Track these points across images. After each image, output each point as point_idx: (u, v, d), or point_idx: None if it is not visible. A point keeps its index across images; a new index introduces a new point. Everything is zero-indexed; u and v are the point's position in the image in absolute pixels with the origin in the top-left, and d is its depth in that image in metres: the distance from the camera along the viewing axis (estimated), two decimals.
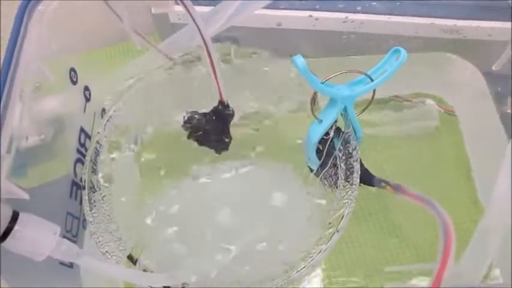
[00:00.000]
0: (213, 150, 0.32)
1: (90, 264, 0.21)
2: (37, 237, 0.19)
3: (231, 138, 0.32)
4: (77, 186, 0.27)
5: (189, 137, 0.32)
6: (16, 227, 0.18)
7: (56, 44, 0.25)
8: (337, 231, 0.25)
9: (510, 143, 0.24)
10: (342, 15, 0.32)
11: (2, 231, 0.18)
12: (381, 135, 0.35)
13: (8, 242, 0.18)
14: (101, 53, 0.31)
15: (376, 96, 0.29)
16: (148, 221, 0.29)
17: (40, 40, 0.24)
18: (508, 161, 0.24)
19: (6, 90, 0.21)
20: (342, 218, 0.25)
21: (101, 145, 0.29)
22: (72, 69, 0.27)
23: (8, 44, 0.23)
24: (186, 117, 0.32)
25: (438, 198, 0.25)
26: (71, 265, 0.25)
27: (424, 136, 0.35)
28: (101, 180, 0.28)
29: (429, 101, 0.35)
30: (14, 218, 0.18)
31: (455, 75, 0.33)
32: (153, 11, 0.27)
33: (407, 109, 0.36)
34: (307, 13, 0.32)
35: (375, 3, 0.31)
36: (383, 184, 0.27)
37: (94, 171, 0.28)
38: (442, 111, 0.35)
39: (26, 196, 0.21)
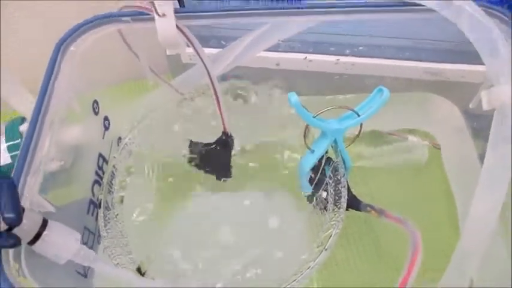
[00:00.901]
0: (215, 176, 0.36)
1: (103, 269, 0.24)
2: (62, 242, 0.22)
3: (231, 167, 0.36)
4: (94, 204, 0.30)
5: (195, 164, 0.36)
6: (45, 232, 0.21)
7: (83, 79, 0.29)
8: (325, 250, 0.28)
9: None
10: (333, 58, 0.36)
11: (33, 235, 0.21)
12: (371, 166, 0.38)
13: (38, 245, 0.21)
14: (121, 87, 0.34)
15: (367, 130, 0.33)
16: (156, 238, 0.32)
17: (71, 76, 0.28)
18: (480, 187, 0.27)
19: (39, 120, 0.25)
20: (330, 237, 0.28)
21: (116, 169, 0.32)
22: (95, 101, 0.31)
23: (43, 79, 0.26)
24: (191, 147, 0.36)
25: (421, 223, 0.28)
26: (85, 275, 0.28)
27: (411, 167, 0.38)
28: (115, 200, 0.31)
29: (413, 137, 0.39)
30: (44, 224, 0.21)
31: (437, 113, 0.37)
32: (168, 52, 0.31)
33: (395, 143, 0.39)
34: (302, 55, 0.36)
35: (361, 47, 0.35)
36: (368, 208, 0.30)
37: (109, 192, 0.32)
38: (430, 145, 0.38)
39: (53, 209, 0.24)
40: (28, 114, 0.36)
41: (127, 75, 0.34)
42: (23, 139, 0.24)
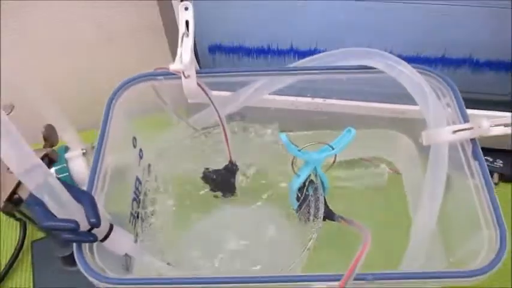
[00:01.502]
0: (222, 195, 0.46)
1: (147, 260, 0.33)
2: (122, 241, 0.31)
3: (235, 188, 0.45)
4: (133, 216, 0.40)
5: (208, 186, 0.45)
6: (112, 233, 0.31)
7: (127, 121, 0.39)
8: (308, 250, 0.37)
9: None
10: (319, 100, 0.46)
11: (104, 235, 0.30)
12: (345, 186, 0.47)
13: (107, 242, 0.30)
14: (152, 125, 0.44)
15: (343, 158, 0.43)
16: (180, 242, 0.41)
17: (118, 119, 0.38)
18: (422, 201, 0.36)
19: (101, 152, 0.35)
20: (310, 240, 0.37)
21: (148, 189, 0.42)
22: (134, 138, 0.41)
23: (102, 122, 0.36)
24: (204, 172, 0.46)
25: (381, 230, 0.37)
26: (127, 268, 0.37)
27: (376, 187, 0.48)
28: (148, 213, 0.41)
29: (381, 164, 0.49)
30: (111, 228, 0.31)
31: (396, 145, 0.47)
32: (189, 101, 0.41)
33: (364, 168, 0.49)
34: (291, 98, 0.46)
35: (335, 93, 0.45)
36: (340, 219, 0.40)
37: (143, 207, 0.41)
38: (390, 171, 0.49)
39: (110, 218, 0.34)
40: (70, 143, 0.46)
41: (156, 116, 0.43)
42: (91, 166, 0.34)
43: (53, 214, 0.28)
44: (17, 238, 0.52)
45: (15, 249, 0.51)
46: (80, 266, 0.30)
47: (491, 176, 0.53)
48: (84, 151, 0.51)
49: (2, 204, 0.30)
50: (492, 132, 0.33)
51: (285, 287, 0.30)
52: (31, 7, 0.55)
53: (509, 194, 0.54)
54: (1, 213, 0.52)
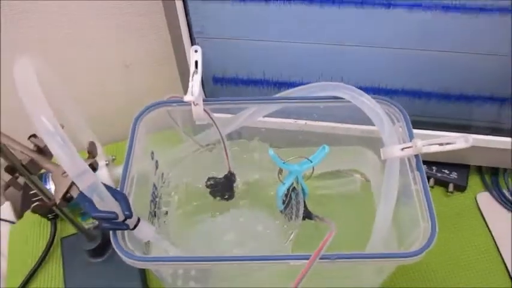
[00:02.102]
0: (223, 199, 0.56)
1: (164, 245, 0.43)
2: (147, 230, 0.41)
3: (234, 192, 0.55)
4: (150, 214, 0.50)
5: (210, 191, 0.55)
6: (139, 224, 0.40)
7: (147, 137, 0.49)
8: (290, 241, 0.47)
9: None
10: (301, 122, 0.56)
11: (134, 225, 0.40)
12: (323, 192, 0.58)
13: (135, 231, 0.40)
14: (166, 141, 0.54)
15: (321, 170, 0.53)
16: (188, 236, 0.51)
17: (141, 135, 0.48)
18: (381, 203, 0.46)
19: (129, 162, 0.45)
20: (292, 234, 0.47)
21: (162, 194, 0.52)
22: (152, 152, 0.51)
23: (129, 138, 0.46)
24: (207, 180, 0.56)
25: (351, 228, 0.47)
26: (145, 253, 0.47)
27: (350, 194, 0.58)
28: (162, 213, 0.51)
29: (354, 174, 0.59)
30: (138, 220, 0.40)
31: (365, 159, 0.57)
32: (197, 123, 0.51)
33: (340, 178, 0.59)
34: (279, 120, 0.56)
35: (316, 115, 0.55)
36: (316, 218, 0.50)
37: (158, 208, 0.51)
38: (362, 179, 0.59)
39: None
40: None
41: (169, 134, 0.54)
42: (122, 173, 0.44)
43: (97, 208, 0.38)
44: (48, 235, 0.62)
45: (47, 244, 0.61)
46: (115, 248, 0.39)
47: (447, 186, 0.64)
48: (107, 162, 0.62)
49: (58, 201, 0.40)
50: (425, 150, 0.43)
51: (269, 265, 0.39)
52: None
53: (459, 199, 0.65)
54: (36, 215, 0.62)
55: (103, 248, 0.57)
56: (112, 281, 0.56)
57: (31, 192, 0.60)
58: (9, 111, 0.67)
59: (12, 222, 0.70)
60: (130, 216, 0.39)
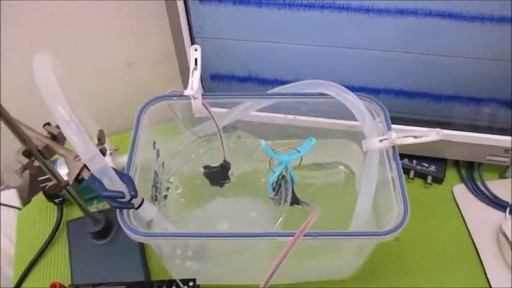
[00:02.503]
0: (218, 186, 0.60)
1: (164, 223, 0.48)
2: (150, 210, 0.46)
3: (229, 180, 0.60)
4: (152, 199, 0.54)
5: (207, 178, 0.60)
6: (143, 204, 0.45)
7: (150, 128, 0.54)
8: (279, 224, 0.52)
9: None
10: (291, 117, 0.61)
11: (138, 204, 0.45)
12: (311, 183, 0.62)
13: (140, 210, 0.45)
14: (166, 132, 0.59)
15: (309, 162, 0.58)
16: (186, 218, 0.56)
17: (145, 126, 0.52)
18: (362, 191, 0.51)
19: (134, 151, 0.49)
20: (280, 218, 0.52)
21: (162, 180, 0.57)
22: (154, 142, 0.56)
23: (134, 128, 0.51)
24: (204, 168, 0.60)
25: (335, 214, 0.52)
26: None
27: (335, 183, 0.63)
28: (162, 197, 0.56)
29: (339, 166, 0.64)
30: (142, 201, 0.45)
31: (349, 151, 0.62)
32: (196, 115, 0.56)
33: (326, 169, 0.64)
34: (270, 114, 0.61)
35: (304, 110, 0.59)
36: (303, 203, 0.55)
37: (159, 193, 0.56)
38: (347, 171, 0.64)
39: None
40: None
41: (170, 126, 0.58)
42: (127, 160, 0.48)
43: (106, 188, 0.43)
44: (55, 219, 0.67)
45: (54, 227, 0.66)
46: (122, 224, 0.44)
47: (426, 178, 0.70)
48: (111, 152, 0.66)
49: (71, 182, 0.44)
50: (400, 141, 0.48)
51: (258, 241, 0.44)
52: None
53: (437, 190, 0.70)
54: (43, 200, 0.67)
55: (106, 230, 0.62)
56: (114, 261, 0.61)
57: (40, 179, 0.64)
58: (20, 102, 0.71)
59: (18, 208, 0.75)
60: (135, 196, 0.44)
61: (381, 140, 0.50)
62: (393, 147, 0.50)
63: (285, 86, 0.56)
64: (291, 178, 0.56)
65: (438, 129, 0.49)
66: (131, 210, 0.46)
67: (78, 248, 0.63)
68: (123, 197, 0.43)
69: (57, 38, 0.68)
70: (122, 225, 0.44)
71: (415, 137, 0.49)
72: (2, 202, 0.76)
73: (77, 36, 0.69)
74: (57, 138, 0.47)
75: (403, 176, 0.48)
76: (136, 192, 0.44)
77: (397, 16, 0.55)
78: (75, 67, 0.72)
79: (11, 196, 0.79)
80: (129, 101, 0.63)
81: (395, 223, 0.45)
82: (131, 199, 0.44)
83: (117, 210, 0.45)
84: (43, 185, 0.64)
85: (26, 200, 0.74)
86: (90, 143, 0.40)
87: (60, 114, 0.38)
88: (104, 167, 0.42)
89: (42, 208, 0.69)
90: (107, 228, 0.62)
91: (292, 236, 0.43)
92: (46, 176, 0.64)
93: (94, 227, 0.61)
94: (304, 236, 0.43)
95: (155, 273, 0.62)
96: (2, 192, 0.79)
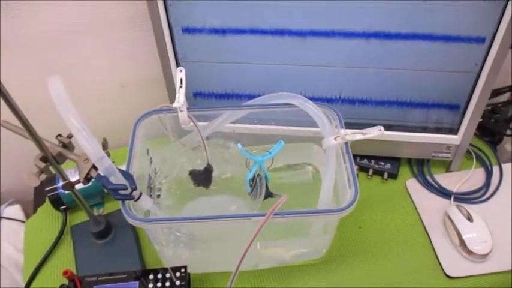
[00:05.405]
0: (203, 186, 0.70)
1: (158, 212, 0.57)
2: (147, 201, 0.55)
3: (212, 181, 0.70)
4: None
5: (193, 180, 0.70)
6: (141, 197, 0.55)
7: (144, 138, 0.64)
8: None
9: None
10: (263, 126, 0.72)
11: (137, 196, 0.54)
12: (284, 181, 0.73)
13: (139, 201, 0.54)
14: (158, 141, 0.69)
15: (280, 163, 0.69)
16: (175, 215, 0.65)
17: (139, 137, 0.62)
18: (324, 180, 0.61)
19: (132, 158, 0.59)
20: (255, 211, 0.62)
21: (155, 182, 0.67)
22: (147, 150, 0.66)
23: (131, 139, 0.61)
24: (190, 171, 0.70)
25: (306, 204, 0.62)
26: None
27: (304, 182, 0.73)
28: (156, 196, 0.65)
29: (308, 166, 0.75)
30: (141, 194, 0.55)
31: (315, 153, 0.73)
32: (183, 127, 0.66)
33: (295, 170, 0.75)
34: (246, 125, 0.72)
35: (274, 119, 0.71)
36: (275, 195, 0.65)
37: (153, 192, 0.65)
38: (314, 171, 0.74)
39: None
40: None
41: (161, 136, 0.69)
42: (127, 163, 0.58)
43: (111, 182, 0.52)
44: (60, 225, 0.75)
45: (59, 231, 0.74)
46: (124, 213, 0.53)
47: (383, 175, 0.80)
48: None
49: (82, 179, 0.54)
50: (349, 138, 0.59)
51: (236, 221, 0.54)
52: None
53: (393, 185, 0.81)
54: (48, 209, 0.75)
55: (106, 231, 0.71)
56: (114, 257, 0.70)
57: (47, 189, 0.73)
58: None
59: (22, 221, 0.83)
60: (135, 188, 0.54)
61: (335, 138, 0.61)
62: (346, 143, 0.61)
63: (257, 98, 0.67)
64: (265, 176, 0.66)
65: (380, 127, 0.60)
66: (131, 203, 0.55)
67: (82, 246, 0.71)
68: (126, 189, 0.52)
69: (61, 68, 0.79)
70: (124, 213, 0.54)
71: (363, 133, 0.60)
72: (8, 216, 0.85)
73: (80, 65, 0.80)
74: (68, 146, 0.57)
75: (363, 174, 0.59)
76: (136, 185, 0.54)
77: (345, 38, 0.66)
78: (74, 91, 0.82)
79: (15, 211, 0.88)
80: (122, 121, 0.73)
81: (348, 202, 0.55)
82: (132, 192, 0.54)
83: (120, 202, 0.54)
84: (51, 194, 0.73)
85: (31, 212, 0.82)
86: (98, 147, 0.50)
87: (73, 124, 0.49)
88: (110, 165, 0.51)
89: (47, 216, 0.77)
90: (107, 229, 0.71)
91: (263, 215, 0.53)
92: (53, 186, 0.73)
93: (96, 228, 0.70)
94: (275, 215, 0.53)
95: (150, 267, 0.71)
96: (8, 207, 0.88)
